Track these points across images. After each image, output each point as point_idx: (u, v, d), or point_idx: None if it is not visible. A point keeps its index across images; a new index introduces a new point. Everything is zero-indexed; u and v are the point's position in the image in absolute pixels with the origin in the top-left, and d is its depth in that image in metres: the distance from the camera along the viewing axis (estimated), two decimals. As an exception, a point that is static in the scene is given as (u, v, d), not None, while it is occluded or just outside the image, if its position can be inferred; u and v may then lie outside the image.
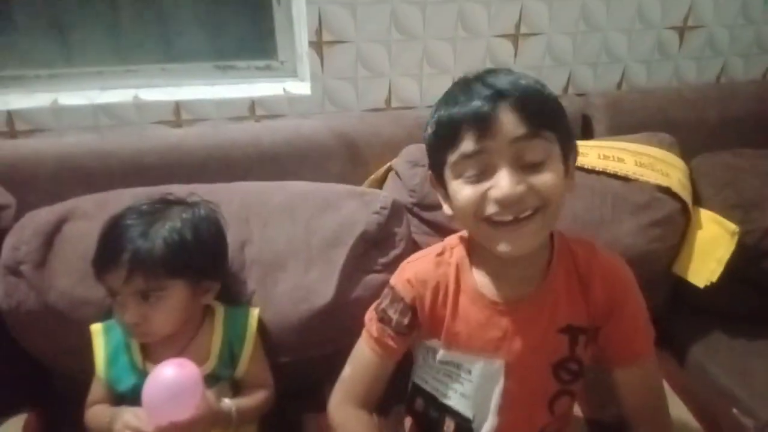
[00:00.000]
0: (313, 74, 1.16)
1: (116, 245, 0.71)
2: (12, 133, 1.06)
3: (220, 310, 0.82)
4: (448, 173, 0.62)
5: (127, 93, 1.12)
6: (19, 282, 0.80)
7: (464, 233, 0.72)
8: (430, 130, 0.64)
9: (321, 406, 0.91)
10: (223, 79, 1.21)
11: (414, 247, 0.95)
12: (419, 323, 0.71)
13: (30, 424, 0.86)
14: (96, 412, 0.76)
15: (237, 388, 0.81)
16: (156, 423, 0.66)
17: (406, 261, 0.75)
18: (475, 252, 0.70)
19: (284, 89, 1.18)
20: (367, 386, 0.73)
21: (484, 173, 0.58)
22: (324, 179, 1.05)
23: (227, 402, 0.74)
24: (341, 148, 1.13)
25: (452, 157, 0.60)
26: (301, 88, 1.20)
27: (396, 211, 0.93)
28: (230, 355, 0.79)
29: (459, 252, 0.70)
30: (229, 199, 0.92)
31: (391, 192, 1.02)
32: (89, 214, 0.87)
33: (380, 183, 1.11)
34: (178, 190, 0.84)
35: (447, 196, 0.65)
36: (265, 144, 1.09)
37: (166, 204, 0.78)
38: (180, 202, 0.80)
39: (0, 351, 0.87)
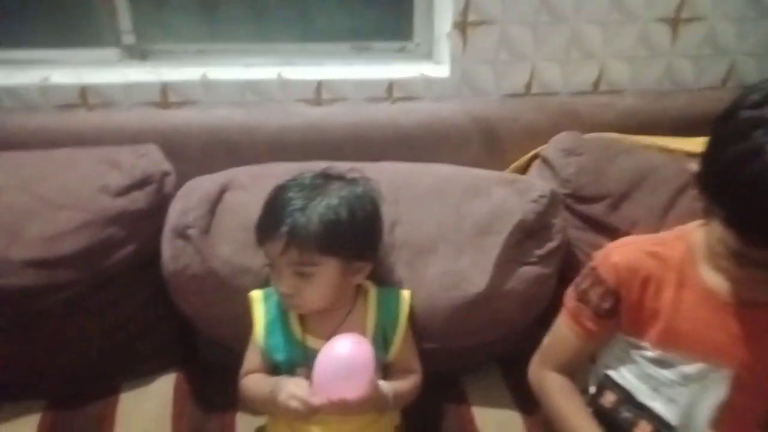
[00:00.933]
0: (453, 57, 1.12)
1: (277, 216, 0.72)
2: (165, 104, 1.11)
3: (372, 291, 0.80)
4: None
5: (271, 71, 1.13)
6: (187, 245, 0.82)
7: (689, 229, 0.67)
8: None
9: (461, 398, 0.89)
10: (360, 60, 1.20)
11: (568, 241, 0.89)
12: (620, 311, 0.67)
13: (180, 382, 0.90)
14: (254, 380, 0.76)
15: (386, 372, 0.79)
16: (326, 397, 0.65)
17: (613, 244, 0.71)
18: (709, 249, 0.63)
19: (421, 72, 1.15)
20: (563, 358, 0.73)
21: None
22: (459, 164, 1.01)
23: (385, 385, 0.73)
24: (478, 134, 1.09)
25: None
26: (437, 70, 1.16)
27: (554, 202, 0.87)
28: (383, 337, 0.77)
29: (682, 246, 0.65)
30: (377, 179, 0.90)
31: (538, 181, 0.96)
32: (246, 186, 0.88)
33: (522, 171, 1.05)
34: (338, 166, 0.83)
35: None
36: (403, 126, 1.07)
37: (326, 179, 0.77)
38: (340, 178, 0.79)
39: (156, 311, 0.92)
